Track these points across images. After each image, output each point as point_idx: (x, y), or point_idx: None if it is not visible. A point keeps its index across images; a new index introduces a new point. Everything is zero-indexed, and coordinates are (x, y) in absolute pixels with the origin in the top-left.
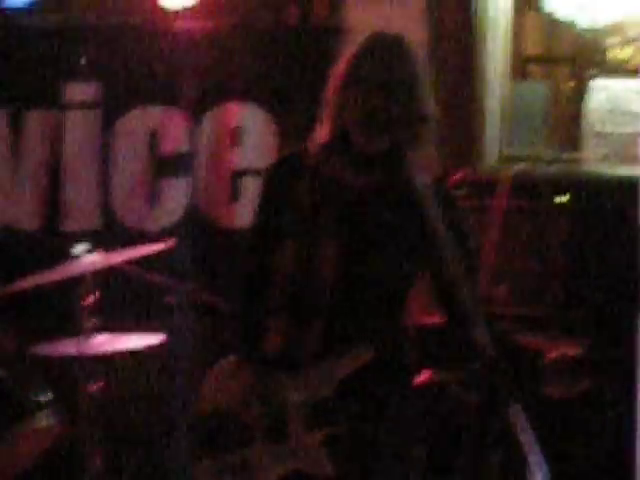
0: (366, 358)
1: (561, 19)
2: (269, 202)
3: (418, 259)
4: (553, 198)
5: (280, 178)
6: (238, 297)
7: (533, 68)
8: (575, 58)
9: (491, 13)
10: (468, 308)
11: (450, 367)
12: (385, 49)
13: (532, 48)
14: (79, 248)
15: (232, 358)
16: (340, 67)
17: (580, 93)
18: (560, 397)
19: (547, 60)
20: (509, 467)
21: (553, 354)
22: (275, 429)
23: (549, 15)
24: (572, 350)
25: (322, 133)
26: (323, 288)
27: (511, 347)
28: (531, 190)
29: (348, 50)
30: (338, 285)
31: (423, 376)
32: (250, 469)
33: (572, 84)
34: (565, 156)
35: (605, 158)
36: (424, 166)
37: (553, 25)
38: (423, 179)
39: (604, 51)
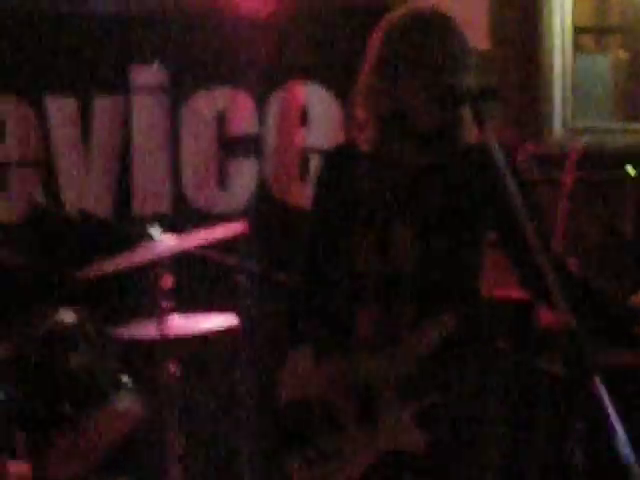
0: (448, 329)
1: None
2: (331, 192)
3: (490, 229)
4: (621, 169)
5: (339, 167)
6: (310, 286)
7: (584, 39)
8: (628, 27)
9: None
10: (547, 277)
11: (531, 337)
12: (434, 25)
13: (583, 19)
14: (154, 231)
15: (309, 345)
16: (388, 46)
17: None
18: None
19: (599, 30)
20: (594, 436)
21: None
22: (364, 412)
23: None
24: None
25: (374, 114)
26: (405, 271)
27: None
28: (598, 162)
29: (386, 28)
30: (419, 265)
31: (503, 345)
32: (343, 456)
33: (626, 54)
34: (630, 127)
35: None
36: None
37: None
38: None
39: None
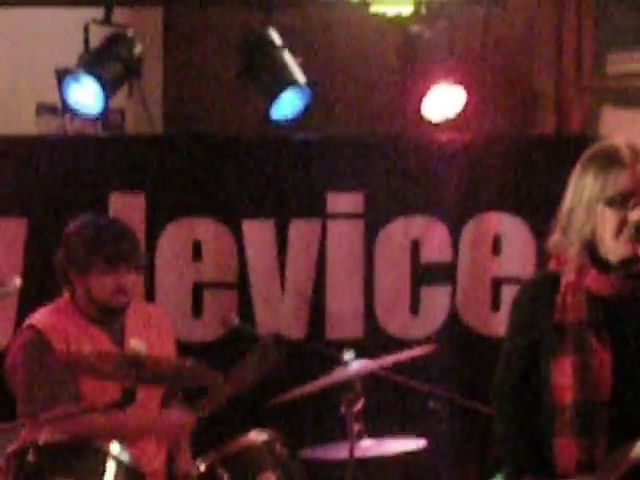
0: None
1: None
2: (531, 320)
3: None
4: None
5: (539, 295)
6: (506, 415)
7: None
8: None
9: None
10: None
11: None
12: (627, 158)
13: None
14: (348, 356)
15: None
16: (581, 179)
17: None
18: None
19: None
20: None
21: None
22: None
23: None
24: None
25: (571, 245)
26: (604, 398)
27: None
28: None
29: (581, 162)
30: (617, 393)
31: None
32: None
33: None
34: None
35: None
36: None
37: None
38: None
39: None
